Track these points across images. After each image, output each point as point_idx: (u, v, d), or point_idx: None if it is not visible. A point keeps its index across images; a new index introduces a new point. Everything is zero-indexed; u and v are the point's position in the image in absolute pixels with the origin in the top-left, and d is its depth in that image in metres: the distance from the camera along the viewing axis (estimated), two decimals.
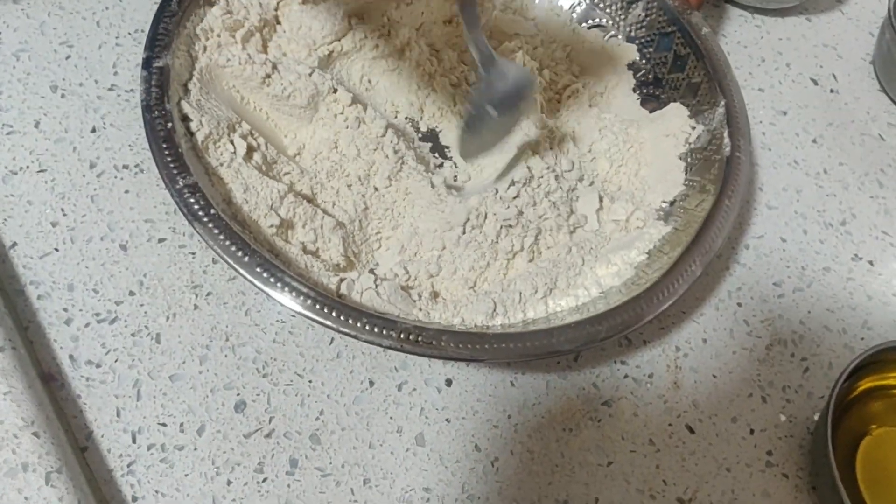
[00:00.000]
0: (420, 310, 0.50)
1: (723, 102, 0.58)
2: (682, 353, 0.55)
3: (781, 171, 0.65)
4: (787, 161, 0.66)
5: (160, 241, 0.54)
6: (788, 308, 0.58)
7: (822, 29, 0.77)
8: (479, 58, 0.52)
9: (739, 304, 0.58)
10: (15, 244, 0.52)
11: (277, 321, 0.52)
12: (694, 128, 0.60)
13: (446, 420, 0.50)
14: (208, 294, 0.52)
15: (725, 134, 0.57)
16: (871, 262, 0.62)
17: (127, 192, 0.55)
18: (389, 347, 0.45)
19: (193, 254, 0.53)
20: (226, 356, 0.50)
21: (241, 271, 0.45)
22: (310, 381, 0.50)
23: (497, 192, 0.54)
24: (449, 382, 0.52)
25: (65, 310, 0.50)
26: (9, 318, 0.48)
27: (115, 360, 0.49)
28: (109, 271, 0.52)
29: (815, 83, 0.72)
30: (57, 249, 0.52)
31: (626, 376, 0.53)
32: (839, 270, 0.61)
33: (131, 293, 0.51)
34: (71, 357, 0.49)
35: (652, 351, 0.55)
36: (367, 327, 0.45)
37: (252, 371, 0.50)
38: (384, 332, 0.45)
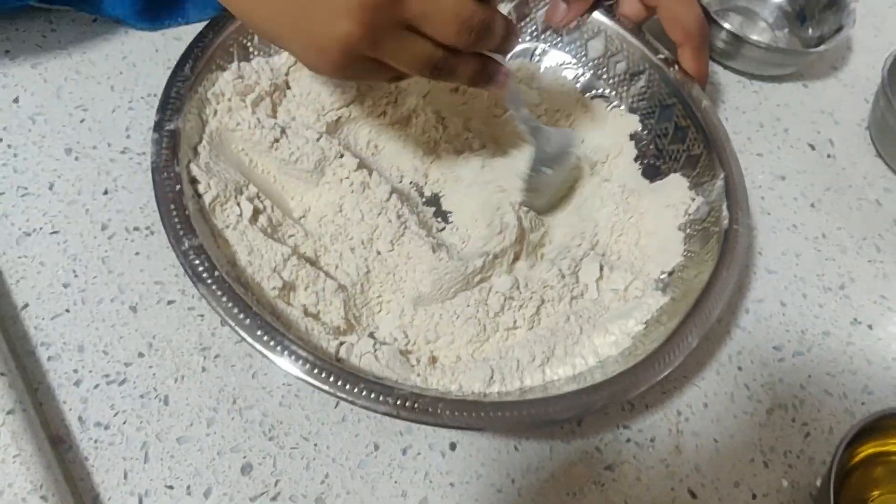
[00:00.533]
0: (418, 375, 0.50)
1: (722, 175, 0.59)
2: (683, 417, 0.55)
3: (780, 235, 0.66)
4: (786, 225, 0.67)
5: (169, 303, 0.54)
6: (789, 372, 0.59)
7: (819, 95, 0.78)
8: (528, 129, 0.58)
9: (740, 368, 0.58)
10: (27, 305, 0.53)
11: (284, 384, 0.52)
12: (693, 199, 0.60)
13: (450, 484, 0.51)
14: (216, 356, 0.53)
15: (724, 207, 0.58)
16: (870, 326, 0.62)
17: (137, 253, 0.56)
18: (386, 414, 0.45)
19: (202, 316, 0.54)
20: (233, 419, 0.51)
21: (242, 333, 0.46)
22: (315, 445, 0.51)
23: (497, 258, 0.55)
24: (453, 446, 0.52)
25: (75, 371, 0.51)
26: (20, 379, 0.48)
27: (124, 422, 0.49)
28: (119, 333, 0.53)
29: (813, 148, 0.73)
30: (68, 311, 0.53)
31: (628, 440, 0.54)
32: (839, 334, 0.61)
33: (140, 355, 0.52)
34: (80, 419, 0.49)
35: (654, 415, 0.55)
36: (363, 393, 0.45)
37: (258, 434, 0.50)
38: (381, 398, 0.45)
